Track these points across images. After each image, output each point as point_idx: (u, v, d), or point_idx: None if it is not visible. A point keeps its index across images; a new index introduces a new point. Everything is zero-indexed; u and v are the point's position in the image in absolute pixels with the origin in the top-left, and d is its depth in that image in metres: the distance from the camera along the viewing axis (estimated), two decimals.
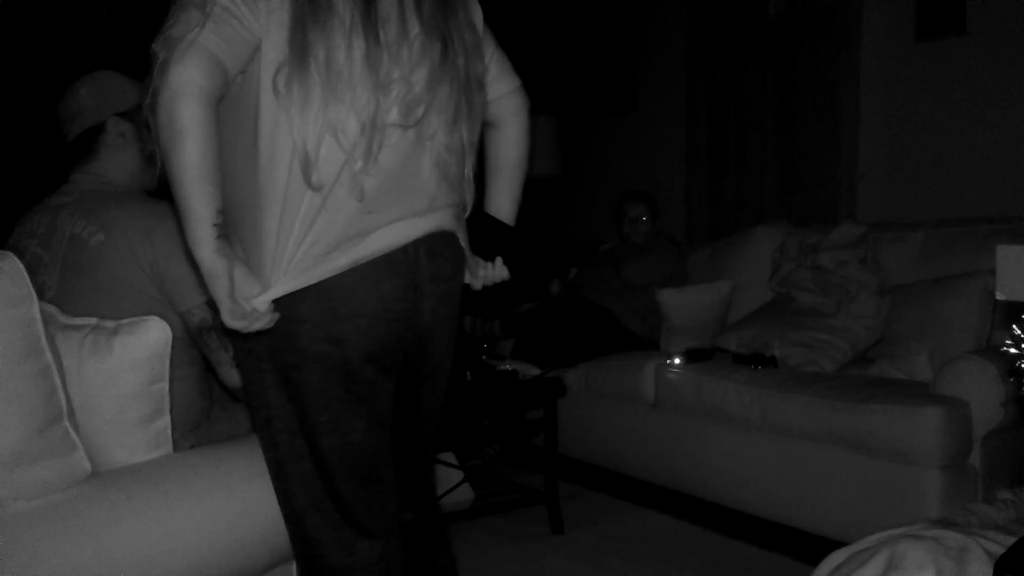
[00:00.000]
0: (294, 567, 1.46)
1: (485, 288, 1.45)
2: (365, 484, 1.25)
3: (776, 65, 3.75)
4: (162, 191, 1.88)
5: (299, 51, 1.11)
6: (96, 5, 3.76)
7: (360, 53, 1.14)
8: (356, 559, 1.25)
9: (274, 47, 1.12)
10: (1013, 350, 1.11)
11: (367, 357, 1.20)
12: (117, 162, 1.78)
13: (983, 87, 3.10)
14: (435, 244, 1.25)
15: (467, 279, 1.42)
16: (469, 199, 1.34)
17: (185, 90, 1.05)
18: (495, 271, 1.42)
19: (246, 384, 1.26)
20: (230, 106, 1.16)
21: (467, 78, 1.26)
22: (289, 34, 1.11)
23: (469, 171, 1.30)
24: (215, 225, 1.09)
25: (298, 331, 1.17)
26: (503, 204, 1.44)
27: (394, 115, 1.18)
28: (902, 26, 3.31)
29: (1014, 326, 1.11)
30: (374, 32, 1.15)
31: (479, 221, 1.40)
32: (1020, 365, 1.10)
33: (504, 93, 1.39)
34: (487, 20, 1.36)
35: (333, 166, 1.15)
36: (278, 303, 1.17)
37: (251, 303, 1.13)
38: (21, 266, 1.13)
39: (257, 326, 1.14)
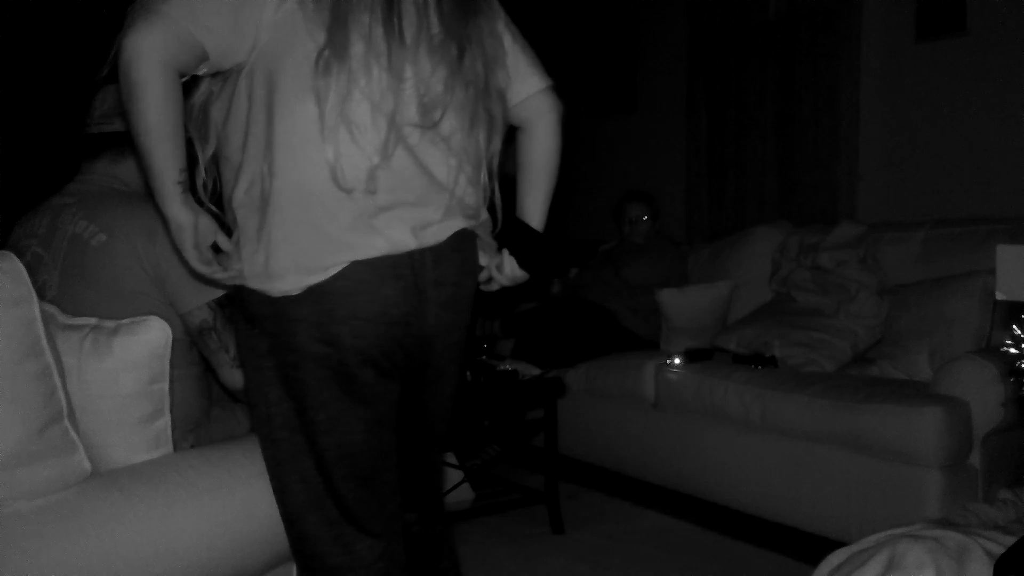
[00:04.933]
0: (294, 567, 1.46)
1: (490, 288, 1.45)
2: (365, 484, 1.25)
3: (776, 65, 3.75)
4: None
5: (334, 44, 1.11)
6: (96, 5, 3.76)
7: (382, 51, 1.14)
8: (355, 558, 1.25)
9: (291, 45, 1.12)
10: (1013, 350, 1.11)
11: (363, 359, 1.20)
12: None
13: (983, 87, 3.10)
14: (443, 249, 1.24)
15: (484, 281, 1.42)
16: (486, 205, 1.32)
17: (139, 56, 1.06)
18: (509, 272, 1.42)
19: (248, 381, 1.26)
20: (233, 112, 1.17)
21: (485, 86, 1.25)
22: (327, 33, 1.11)
23: (486, 178, 1.29)
24: (179, 183, 1.13)
25: (296, 331, 1.17)
26: (529, 207, 1.42)
27: (412, 114, 1.18)
28: (902, 26, 3.31)
29: (1014, 326, 1.11)
30: (398, 31, 1.15)
31: (509, 225, 1.39)
32: (1020, 365, 1.10)
33: (532, 93, 1.37)
34: None
35: (356, 166, 1.15)
36: (276, 304, 1.17)
37: (214, 242, 1.18)
38: (21, 266, 1.13)
39: (220, 276, 1.19)
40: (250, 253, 1.18)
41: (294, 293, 1.16)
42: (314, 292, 1.16)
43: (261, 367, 1.22)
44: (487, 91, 1.25)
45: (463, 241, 1.29)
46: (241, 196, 1.19)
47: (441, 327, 1.28)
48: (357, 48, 1.13)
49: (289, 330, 1.17)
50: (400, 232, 1.18)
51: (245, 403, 1.32)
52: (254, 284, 1.18)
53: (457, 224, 1.26)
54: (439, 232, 1.23)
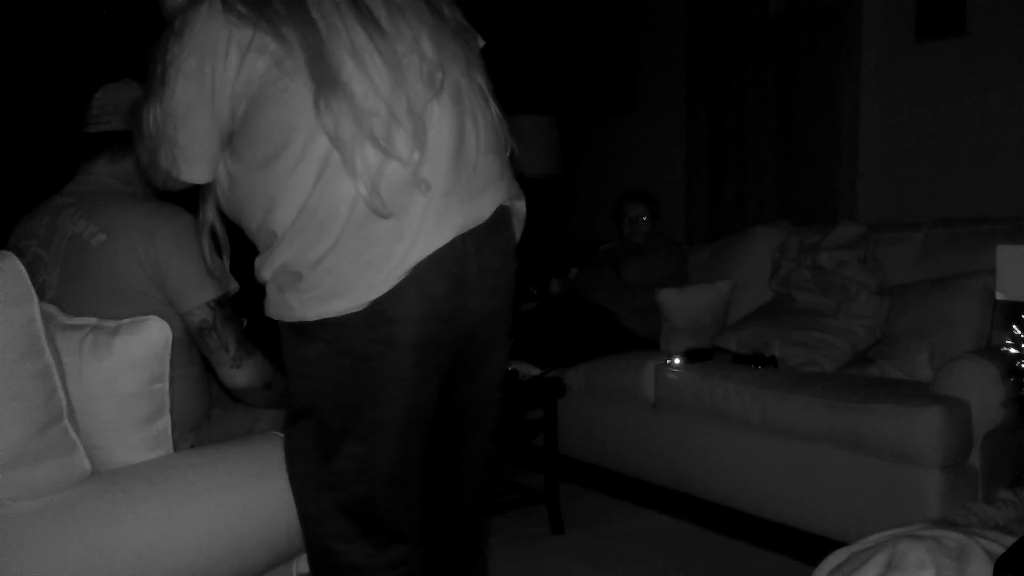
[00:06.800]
0: (294, 567, 1.46)
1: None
2: (397, 487, 1.24)
3: (776, 65, 3.75)
4: (166, 194, 1.90)
5: (324, 80, 1.11)
6: (96, 5, 3.76)
7: (371, 50, 1.14)
8: (379, 560, 1.24)
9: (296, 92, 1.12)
10: (1013, 350, 1.11)
11: (417, 358, 1.18)
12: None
13: (983, 87, 3.10)
14: (482, 234, 1.22)
15: None
16: (508, 141, 1.30)
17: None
18: None
19: (295, 390, 1.24)
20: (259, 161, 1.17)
21: (458, 26, 1.25)
22: (310, 75, 1.11)
23: (497, 110, 1.28)
24: None
25: (349, 335, 1.16)
26: None
27: (421, 91, 1.17)
28: (902, 26, 3.31)
29: (1014, 326, 1.11)
30: (373, 24, 1.15)
31: None
32: (1020, 365, 1.10)
33: None
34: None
35: (396, 177, 1.13)
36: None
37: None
38: (21, 266, 1.13)
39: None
40: (301, 297, 1.17)
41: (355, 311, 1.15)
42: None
43: (312, 376, 1.20)
44: (460, 30, 1.25)
45: (500, 223, 1.27)
46: (274, 269, 1.19)
47: (486, 315, 1.26)
48: (347, 66, 1.12)
49: (340, 335, 1.16)
50: (444, 228, 1.17)
51: (287, 415, 1.29)
52: (311, 316, 1.16)
53: (488, 202, 1.24)
54: (481, 209, 1.21)
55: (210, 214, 1.28)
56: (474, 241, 1.21)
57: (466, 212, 1.19)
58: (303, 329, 1.18)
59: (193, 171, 1.21)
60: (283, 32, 1.10)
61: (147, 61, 1.19)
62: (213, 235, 1.31)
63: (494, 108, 1.27)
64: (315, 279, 1.15)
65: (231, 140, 1.19)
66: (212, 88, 1.13)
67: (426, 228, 1.15)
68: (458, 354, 1.26)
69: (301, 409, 1.23)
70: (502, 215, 1.28)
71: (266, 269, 1.20)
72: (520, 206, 1.34)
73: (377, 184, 1.12)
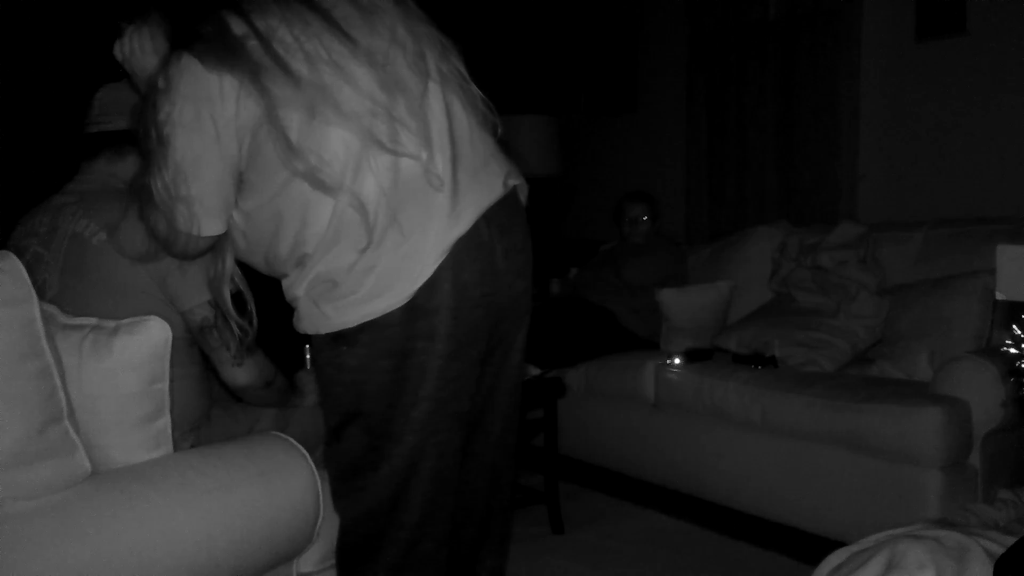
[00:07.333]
0: (294, 567, 1.46)
1: None
2: (438, 485, 1.24)
3: (776, 65, 3.75)
4: None
5: (288, 150, 1.12)
6: (96, 5, 3.76)
7: (347, 55, 1.14)
8: (407, 559, 1.24)
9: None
10: (1013, 350, 1.11)
11: (454, 349, 1.19)
12: None
13: (983, 87, 3.10)
14: (503, 217, 1.24)
15: None
16: (495, 120, 1.32)
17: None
18: None
19: (337, 400, 1.24)
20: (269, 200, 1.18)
21: (419, 14, 1.27)
22: (268, 128, 1.12)
23: (478, 90, 1.29)
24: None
25: (389, 335, 1.16)
26: None
27: (413, 83, 1.18)
28: (902, 26, 3.31)
29: (1014, 326, 1.11)
30: (350, 39, 1.15)
31: None
32: (1020, 365, 1.10)
33: None
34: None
35: (413, 178, 1.15)
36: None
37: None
38: (21, 266, 1.13)
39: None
40: (339, 306, 1.18)
41: (394, 308, 1.16)
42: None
43: (354, 382, 1.20)
44: (424, 17, 1.27)
45: (514, 205, 1.29)
46: (308, 282, 1.19)
47: (515, 296, 1.29)
48: (335, 83, 1.12)
49: (382, 336, 1.16)
50: (466, 210, 1.18)
51: (329, 429, 1.29)
52: (353, 321, 1.17)
53: (495, 175, 1.25)
54: (491, 183, 1.23)
55: (229, 263, 1.28)
56: (497, 225, 1.23)
57: (479, 190, 1.21)
58: (343, 337, 1.18)
59: (213, 223, 1.21)
60: (259, 82, 1.11)
61: (137, 131, 1.18)
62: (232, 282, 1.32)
63: (475, 88, 1.28)
64: (353, 282, 1.15)
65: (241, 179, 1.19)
66: (216, 131, 1.13)
67: (447, 213, 1.16)
68: (491, 340, 1.27)
69: (346, 417, 1.23)
70: (514, 197, 1.30)
71: (298, 285, 1.20)
72: (522, 182, 1.35)
73: (395, 183, 1.13)
